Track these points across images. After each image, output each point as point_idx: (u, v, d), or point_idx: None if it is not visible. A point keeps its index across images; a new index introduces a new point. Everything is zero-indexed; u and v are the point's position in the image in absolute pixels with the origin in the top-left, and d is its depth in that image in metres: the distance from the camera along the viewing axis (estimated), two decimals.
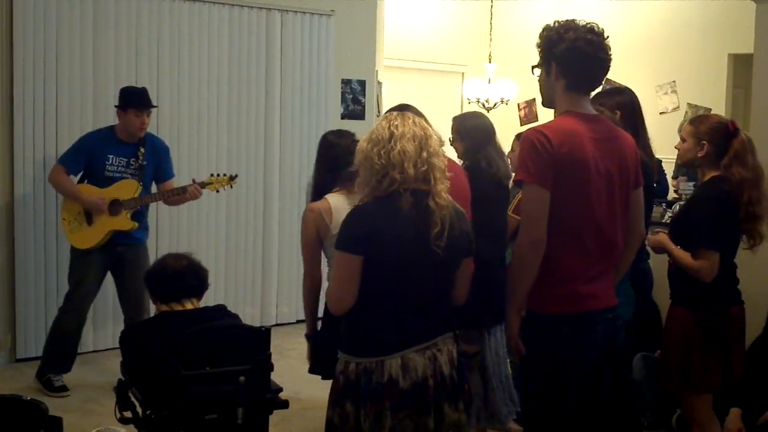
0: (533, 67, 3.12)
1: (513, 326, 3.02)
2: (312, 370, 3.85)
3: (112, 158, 5.21)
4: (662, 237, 3.74)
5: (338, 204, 3.62)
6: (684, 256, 3.64)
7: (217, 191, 5.54)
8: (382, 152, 2.80)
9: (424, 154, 2.81)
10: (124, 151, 5.25)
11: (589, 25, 2.98)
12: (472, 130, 4.33)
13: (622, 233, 3.05)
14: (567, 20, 3.01)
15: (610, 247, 3.00)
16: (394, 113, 2.93)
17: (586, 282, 2.96)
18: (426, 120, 3.66)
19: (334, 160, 3.79)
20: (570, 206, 2.91)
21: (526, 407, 3.18)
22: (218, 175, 5.43)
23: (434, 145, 2.86)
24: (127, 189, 5.23)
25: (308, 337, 3.87)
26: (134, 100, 5.26)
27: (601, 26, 3.00)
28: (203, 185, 5.34)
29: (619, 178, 3.01)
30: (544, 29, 3.03)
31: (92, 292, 5.35)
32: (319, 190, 3.79)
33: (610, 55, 3.00)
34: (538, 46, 3.05)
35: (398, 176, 2.77)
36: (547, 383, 2.98)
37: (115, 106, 5.32)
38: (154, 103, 5.65)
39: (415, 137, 2.82)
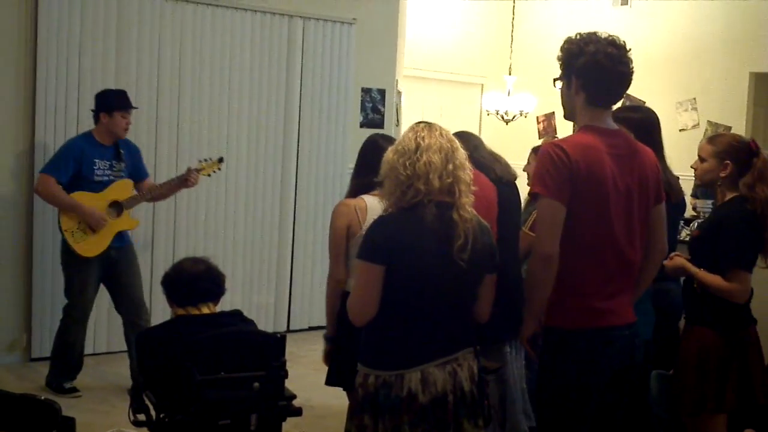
0: (555, 80, 3.10)
1: (526, 331, 3.02)
2: (329, 382, 3.82)
3: (98, 162, 5.20)
4: (680, 261, 3.69)
5: (374, 205, 3.55)
6: (712, 278, 3.57)
7: (209, 175, 5.64)
8: (407, 163, 2.79)
9: (450, 166, 2.81)
10: (106, 155, 5.25)
11: (610, 38, 2.96)
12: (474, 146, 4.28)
13: (640, 250, 3.03)
14: (589, 33, 2.99)
15: (628, 263, 2.99)
16: (422, 124, 2.92)
17: (604, 298, 2.95)
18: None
19: (378, 163, 3.77)
20: (588, 222, 2.89)
21: (541, 421, 3.16)
22: (207, 160, 5.56)
23: (460, 158, 2.86)
24: (124, 189, 5.28)
25: (327, 338, 3.82)
26: (121, 102, 5.28)
27: (622, 39, 2.98)
28: (197, 171, 5.44)
29: (639, 194, 2.99)
30: (565, 42, 3.02)
31: (93, 300, 5.37)
32: (356, 190, 3.76)
33: (632, 68, 2.98)
34: (559, 58, 3.04)
35: (423, 188, 2.77)
36: (563, 398, 2.97)
37: (94, 110, 5.29)
38: (174, 104, 5.66)
39: (441, 149, 2.82)
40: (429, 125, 2.91)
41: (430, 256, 2.77)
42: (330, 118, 7.07)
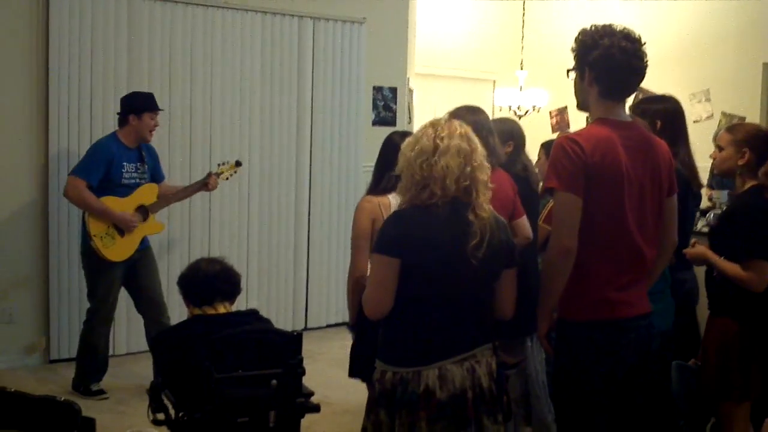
0: (568, 71, 3.10)
1: (541, 329, 3.03)
2: (351, 374, 3.85)
3: (126, 165, 5.24)
4: (702, 249, 3.68)
5: (396, 204, 3.60)
6: (731, 267, 3.56)
7: (227, 179, 5.70)
8: (424, 165, 2.78)
9: (468, 169, 2.79)
10: (132, 157, 5.29)
11: (625, 32, 2.96)
12: (514, 135, 4.32)
13: (653, 241, 3.03)
14: (604, 25, 2.99)
15: (641, 255, 2.99)
16: (443, 121, 2.88)
17: (618, 289, 2.95)
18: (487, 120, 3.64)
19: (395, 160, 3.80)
20: (602, 214, 2.90)
21: (559, 414, 3.16)
22: (224, 163, 5.64)
23: (479, 159, 2.84)
24: (149, 193, 5.32)
25: (351, 327, 3.86)
26: (150, 103, 5.32)
27: (637, 32, 2.98)
28: (217, 175, 5.52)
29: (651, 186, 2.99)
30: (580, 33, 3.02)
31: (116, 302, 5.42)
32: (378, 188, 3.77)
33: (646, 62, 2.98)
34: (573, 50, 3.04)
35: (439, 192, 2.77)
36: (580, 391, 2.97)
37: (120, 114, 5.31)
38: (186, 106, 5.70)
39: (459, 152, 2.79)
40: (449, 123, 2.88)
41: (444, 252, 2.77)
42: (342, 118, 7.09)
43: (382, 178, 3.76)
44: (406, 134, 3.82)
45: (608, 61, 2.92)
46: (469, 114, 3.68)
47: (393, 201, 3.64)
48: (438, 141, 2.81)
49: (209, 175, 5.50)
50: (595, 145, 2.88)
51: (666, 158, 3.08)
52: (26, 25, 5.75)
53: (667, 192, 3.07)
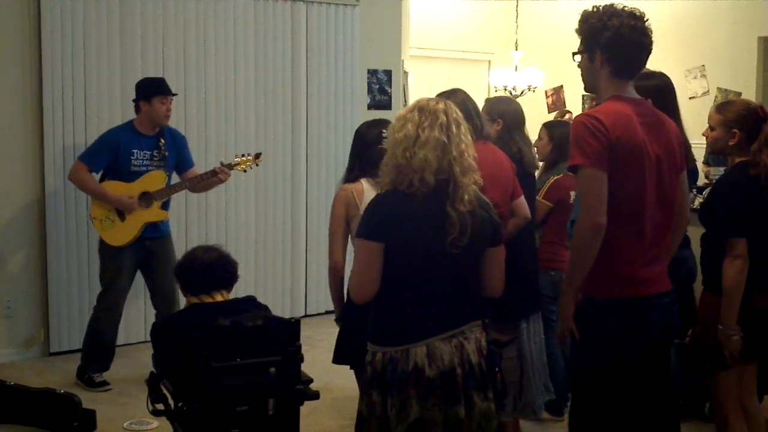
0: (574, 54, 3.11)
1: (568, 310, 3.00)
2: (335, 360, 3.86)
3: (137, 152, 5.23)
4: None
5: (370, 188, 3.66)
6: (724, 291, 3.52)
7: (245, 171, 5.61)
8: (406, 153, 2.81)
9: (445, 162, 2.81)
10: (147, 144, 5.28)
11: (629, 10, 3.00)
12: (504, 114, 4.32)
13: (673, 217, 3.06)
14: (607, 6, 3.02)
15: (662, 230, 3.02)
16: (431, 105, 2.88)
17: (642, 266, 2.97)
18: (473, 105, 3.68)
19: (362, 149, 3.84)
20: (625, 190, 2.91)
21: (576, 390, 3.17)
22: (243, 155, 5.53)
23: (460, 148, 2.84)
24: (155, 180, 5.28)
25: (338, 320, 3.89)
26: (158, 87, 5.30)
27: (639, 10, 3.01)
28: (230, 167, 5.42)
29: (667, 161, 3.02)
30: (584, 15, 3.04)
31: (126, 290, 5.38)
32: (350, 174, 3.85)
33: (652, 39, 3.03)
34: (579, 32, 3.06)
35: (417, 183, 2.79)
36: (602, 367, 2.98)
37: (134, 100, 5.33)
38: (181, 96, 5.68)
39: (437, 145, 2.81)
40: (436, 108, 2.87)
41: (426, 236, 2.80)
42: (337, 102, 7.06)
43: (354, 166, 3.84)
44: (373, 123, 3.89)
45: (620, 41, 2.95)
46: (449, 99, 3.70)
47: (366, 185, 3.71)
48: (420, 131, 2.82)
49: (221, 165, 5.41)
50: (615, 121, 2.90)
51: (676, 134, 3.12)
52: (18, 20, 5.71)
53: (680, 167, 3.09)
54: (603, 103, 3.05)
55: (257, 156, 5.55)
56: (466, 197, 2.82)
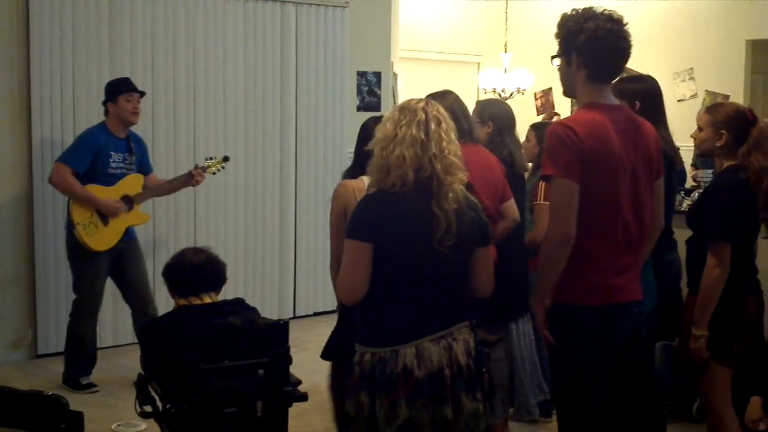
0: (552, 57, 3.09)
1: (540, 317, 3.03)
2: (323, 356, 3.82)
3: (114, 155, 5.22)
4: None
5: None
6: (701, 290, 3.56)
7: (214, 173, 5.64)
8: (384, 151, 2.81)
9: (425, 159, 2.79)
10: (120, 147, 5.27)
11: (608, 13, 2.96)
12: (495, 117, 4.32)
13: (647, 225, 3.04)
14: (585, 9, 2.98)
15: (636, 238, 3.00)
16: (412, 106, 2.87)
17: (615, 274, 2.96)
18: (460, 107, 3.75)
19: (364, 143, 3.79)
20: (599, 199, 2.90)
21: (557, 397, 3.19)
22: (212, 158, 5.58)
23: (440, 146, 2.81)
24: (134, 183, 5.29)
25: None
26: (123, 85, 5.28)
27: (619, 13, 2.98)
28: (204, 169, 5.45)
29: (643, 168, 3.00)
30: (562, 18, 3.01)
31: (102, 293, 5.38)
32: (355, 173, 3.78)
33: (631, 42, 2.99)
34: (557, 36, 3.03)
35: (398, 181, 2.78)
36: (576, 373, 2.99)
37: (103, 103, 5.30)
38: (170, 97, 5.67)
39: (414, 142, 2.79)
40: (416, 107, 2.86)
41: (413, 237, 2.79)
42: (327, 103, 7.05)
43: (358, 163, 3.76)
44: (380, 119, 3.85)
45: (595, 44, 2.92)
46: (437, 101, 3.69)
47: (367, 182, 3.64)
48: (398, 129, 2.82)
49: (195, 168, 5.45)
50: (589, 131, 2.88)
51: (654, 140, 3.09)
52: (6, 21, 5.68)
53: (655, 174, 3.07)
54: (579, 110, 3.04)
55: (225, 159, 5.61)
56: (451, 195, 2.80)
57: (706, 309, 3.54)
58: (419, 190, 2.79)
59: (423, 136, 2.81)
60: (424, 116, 2.84)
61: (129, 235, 5.36)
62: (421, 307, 2.84)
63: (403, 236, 2.79)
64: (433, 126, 2.84)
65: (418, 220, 2.78)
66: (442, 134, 2.85)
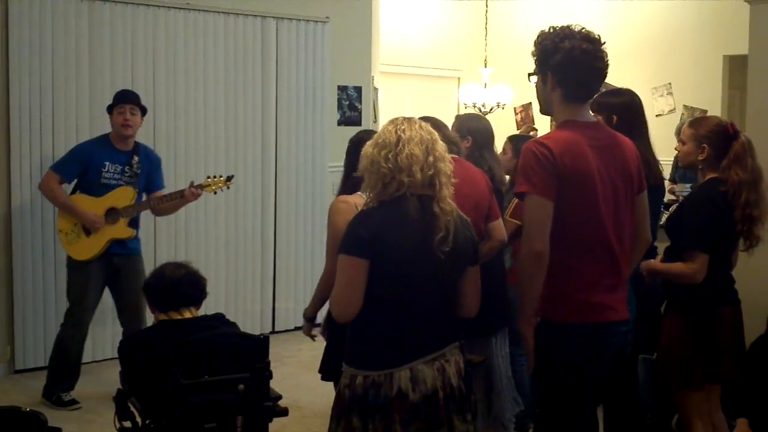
0: (530, 75, 3.10)
1: (528, 338, 2.97)
2: (324, 378, 3.74)
3: (108, 165, 5.19)
4: (649, 265, 3.73)
5: None
6: (671, 267, 3.65)
7: (215, 193, 5.55)
8: (389, 156, 2.78)
9: (431, 158, 2.80)
10: (119, 159, 5.24)
11: (584, 32, 2.96)
12: (474, 132, 4.33)
13: (629, 242, 3.04)
14: (562, 27, 2.98)
15: (618, 257, 2.98)
16: (401, 118, 2.91)
17: (604, 292, 2.95)
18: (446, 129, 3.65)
19: (356, 156, 3.76)
20: (579, 218, 2.89)
21: (540, 413, 3.15)
22: (215, 176, 5.43)
23: (440, 150, 2.85)
24: (123, 196, 5.23)
25: (306, 317, 3.78)
26: (116, 97, 5.29)
27: (596, 33, 2.98)
28: (201, 188, 5.33)
29: (623, 184, 3.00)
30: (539, 36, 3.01)
31: (93, 306, 5.32)
32: (351, 187, 3.71)
33: (607, 62, 2.98)
34: (534, 54, 3.02)
35: (406, 180, 2.75)
36: (562, 391, 2.97)
37: (107, 112, 5.32)
38: (150, 111, 5.65)
39: (422, 141, 2.81)
40: (408, 119, 2.90)
41: (412, 250, 2.76)
42: (307, 118, 7.06)
43: (348, 177, 3.72)
44: (373, 133, 3.82)
45: (571, 64, 2.92)
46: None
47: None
48: (400, 133, 2.82)
49: (190, 186, 5.30)
50: (564, 149, 2.87)
51: (633, 155, 3.08)
52: None
53: (637, 189, 3.08)
54: (555, 128, 3.04)
55: (229, 179, 5.42)
56: (449, 200, 2.81)
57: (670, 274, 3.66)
58: (421, 193, 2.78)
59: (428, 137, 2.84)
60: (421, 123, 2.89)
61: (126, 250, 5.29)
62: (417, 327, 2.80)
63: (405, 247, 2.74)
64: (431, 129, 2.89)
65: (419, 225, 2.75)
66: (440, 141, 2.89)
